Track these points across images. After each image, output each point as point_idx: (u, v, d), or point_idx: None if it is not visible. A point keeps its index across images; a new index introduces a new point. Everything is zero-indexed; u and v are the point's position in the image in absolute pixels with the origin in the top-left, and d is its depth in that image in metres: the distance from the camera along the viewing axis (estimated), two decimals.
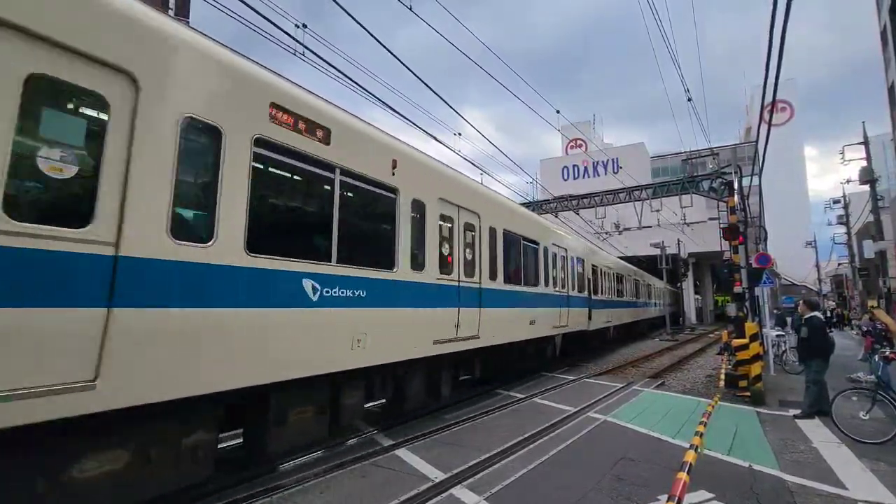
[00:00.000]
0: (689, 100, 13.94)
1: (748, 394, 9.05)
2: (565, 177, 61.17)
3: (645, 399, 9.07)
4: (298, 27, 6.79)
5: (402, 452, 5.61)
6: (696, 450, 3.97)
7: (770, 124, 11.72)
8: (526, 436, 6.27)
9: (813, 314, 8.16)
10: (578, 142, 63.18)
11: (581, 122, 65.15)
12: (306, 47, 6.85)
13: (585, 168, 59.54)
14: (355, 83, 7.83)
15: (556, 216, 22.83)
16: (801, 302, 9.61)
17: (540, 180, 44.23)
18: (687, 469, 3.21)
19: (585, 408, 8.06)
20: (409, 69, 7.74)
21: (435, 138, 11.42)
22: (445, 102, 9.48)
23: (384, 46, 7.14)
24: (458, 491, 4.45)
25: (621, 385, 10.53)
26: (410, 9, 7.00)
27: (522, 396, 9.12)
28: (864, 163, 22.96)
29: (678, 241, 32.21)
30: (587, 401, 8.60)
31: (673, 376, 13.20)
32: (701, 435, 4.84)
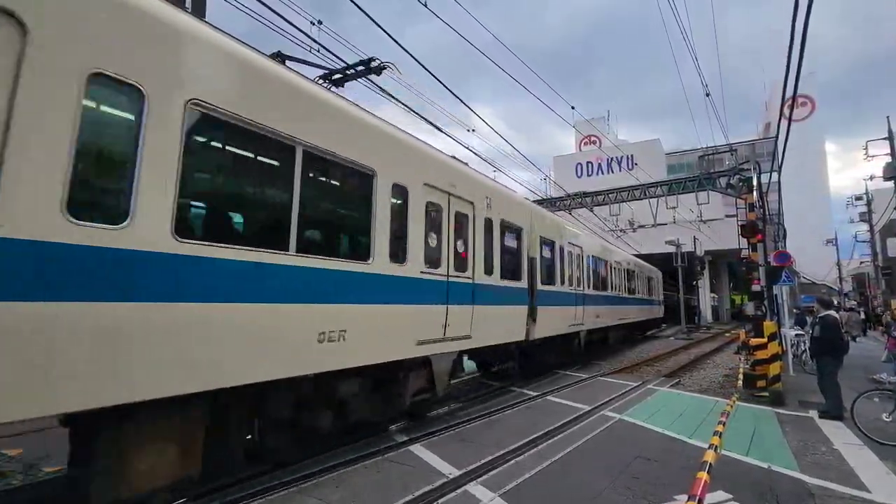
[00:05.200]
0: (707, 94, 13.69)
1: (766, 394, 8.90)
2: (579, 174, 60.57)
3: (660, 398, 8.97)
4: (314, 24, 6.82)
5: (415, 448, 5.63)
6: (715, 450, 3.91)
7: (791, 120, 11.46)
8: (540, 433, 6.25)
9: (827, 313, 8.07)
10: (592, 138, 62.50)
11: (595, 119, 64.48)
12: (321, 45, 6.88)
13: (599, 165, 58.87)
14: (369, 79, 7.84)
15: (570, 213, 22.65)
16: (815, 300, 9.52)
17: (553, 177, 43.94)
18: (707, 469, 3.16)
19: (599, 406, 8.00)
20: (424, 67, 7.72)
21: (447, 134, 11.40)
22: (459, 99, 9.46)
23: (401, 46, 7.14)
24: (473, 487, 4.45)
25: (636, 384, 10.43)
26: (426, 5, 6.99)
27: (535, 394, 9.08)
28: (889, 158, 22.30)
29: (694, 238, 31.75)
30: (601, 399, 8.53)
31: (689, 375, 13.03)
32: (720, 435, 4.77)
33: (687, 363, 15.25)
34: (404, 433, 6.39)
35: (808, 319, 15.96)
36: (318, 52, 6.85)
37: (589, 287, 13.69)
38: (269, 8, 6.39)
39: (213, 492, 4.34)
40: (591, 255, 14.30)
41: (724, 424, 5.31)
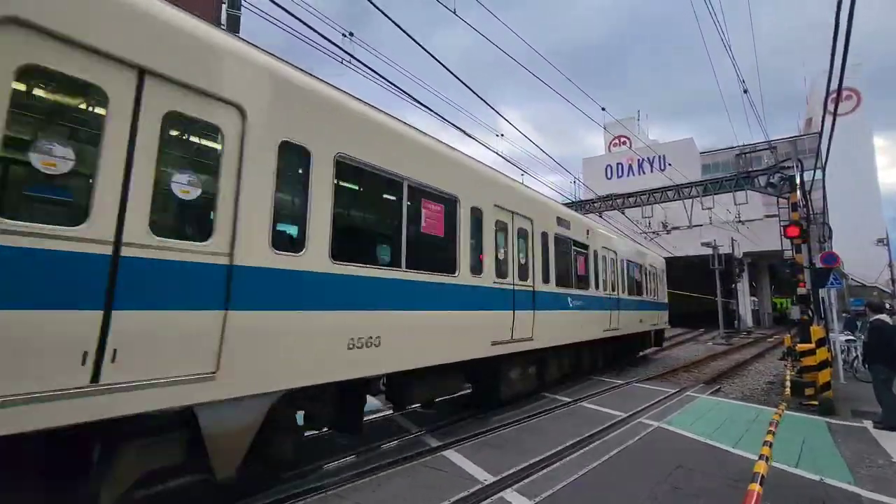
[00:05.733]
0: (745, 91, 13.22)
1: (816, 402, 8.47)
2: (609, 175, 59.38)
3: (700, 406, 8.67)
4: (346, 36, 6.98)
5: (449, 454, 5.63)
6: (766, 461, 3.76)
7: (836, 115, 10.95)
8: (575, 441, 6.15)
9: (877, 317, 7.67)
10: (622, 139, 61.25)
11: (625, 119, 63.19)
12: (353, 56, 7.04)
13: (630, 166, 57.58)
14: (400, 89, 7.97)
15: (601, 216, 22.27)
16: (865, 304, 9.13)
17: (583, 180, 43.31)
18: (760, 481, 3.04)
19: (636, 413, 7.81)
20: (454, 76, 7.80)
21: (475, 139, 11.45)
22: (489, 105, 9.50)
23: (431, 55, 7.23)
24: (509, 494, 4.42)
25: (674, 390, 10.12)
26: (454, 12, 7.05)
27: (569, 400, 8.93)
28: None
29: (732, 240, 30.63)
30: (638, 406, 8.33)
31: (729, 382, 12.57)
32: (771, 445, 4.58)
33: (727, 369, 14.70)
34: (437, 438, 6.40)
35: (859, 324, 15.15)
36: (350, 63, 7.01)
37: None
38: (303, 22, 6.59)
39: (249, 495, 4.46)
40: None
41: (773, 434, 5.09)
